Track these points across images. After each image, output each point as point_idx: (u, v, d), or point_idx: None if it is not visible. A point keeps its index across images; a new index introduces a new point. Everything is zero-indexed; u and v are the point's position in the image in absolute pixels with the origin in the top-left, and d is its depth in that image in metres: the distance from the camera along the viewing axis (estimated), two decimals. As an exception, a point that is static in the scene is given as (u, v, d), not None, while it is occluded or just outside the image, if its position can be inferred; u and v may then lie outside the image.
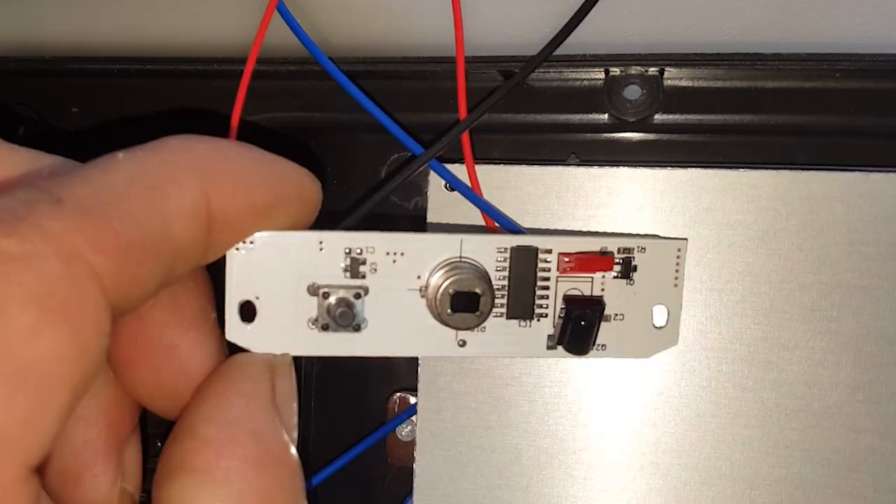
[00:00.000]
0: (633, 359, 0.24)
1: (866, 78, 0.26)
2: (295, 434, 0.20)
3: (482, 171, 0.25)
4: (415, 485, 0.26)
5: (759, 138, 0.27)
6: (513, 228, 0.24)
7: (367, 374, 0.29)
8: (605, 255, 0.22)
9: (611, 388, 0.26)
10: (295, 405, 0.20)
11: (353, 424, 0.28)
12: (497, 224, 0.24)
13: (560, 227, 0.25)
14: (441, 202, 0.25)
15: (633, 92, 0.27)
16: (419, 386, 0.26)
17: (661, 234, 0.25)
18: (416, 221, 0.25)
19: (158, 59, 0.26)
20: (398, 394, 0.28)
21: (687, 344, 0.26)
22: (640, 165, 0.26)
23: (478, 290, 0.22)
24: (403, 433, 0.27)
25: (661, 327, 0.23)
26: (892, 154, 0.27)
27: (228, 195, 0.19)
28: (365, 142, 0.28)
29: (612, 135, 0.27)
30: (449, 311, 0.22)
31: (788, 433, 0.26)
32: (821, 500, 0.26)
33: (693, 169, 0.25)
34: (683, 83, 0.26)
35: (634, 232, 0.25)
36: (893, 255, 0.26)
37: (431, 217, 0.25)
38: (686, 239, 0.23)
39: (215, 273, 0.21)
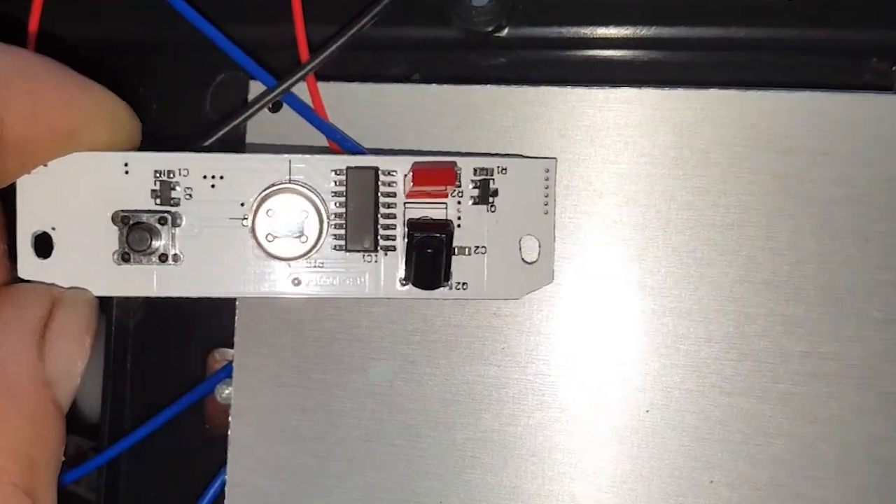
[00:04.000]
0: (501, 299, 0.20)
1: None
2: (71, 380, 0.17)
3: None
4: (229, 453, 0.23)
5: (630, 53, 0.24)
6: (356, 150, 0.21)
7: (192, 327, 0.25)
8: (446, 167, 0.19)
9: (454, 344, 0.23)
10: (80, 347, 0.18)
11: (172, 385, 0.25)
12: (341, 148, 0.21)
13: (408, 150, 0.22)
14: (262, 122, 0.22)
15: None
16: (235, 338, 0.23)
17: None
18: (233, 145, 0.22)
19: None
20: (221, 349, 0.25)
21: (560, 289, 0.22)
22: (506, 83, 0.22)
23: (302, 210, 0.19)
24: (223, 395, 0.24)
25: (532, 262, 0.20)
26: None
27: (25, 117, 0.16)
28: (187, 62, 0.25)
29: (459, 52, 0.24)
30: (269, 236, 0.19)
31: (650, 396, 0.22)
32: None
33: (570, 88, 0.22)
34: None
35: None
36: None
37: (251, 138, 0.22)
38: (555, 158, 0.20)
39: (7, 198, 0.19)
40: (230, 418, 0.23)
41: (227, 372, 0.24)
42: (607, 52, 0.24)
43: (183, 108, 0.25)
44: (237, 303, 0.23)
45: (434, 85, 0.22)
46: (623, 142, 0.22)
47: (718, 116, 0.22)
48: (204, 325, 0.25)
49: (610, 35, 0.23)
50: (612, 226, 0.22)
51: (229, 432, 0.23)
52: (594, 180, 0.22)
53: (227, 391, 0.24)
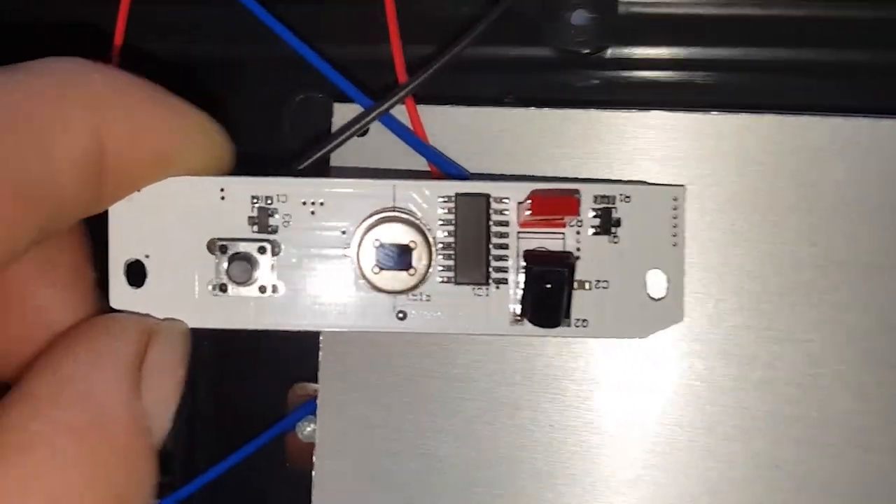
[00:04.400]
0: (625, 339, 0.19)
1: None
2: (165, 417, 0.16)
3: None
4: (313, 496, 0.21)
5: (736, 76, 0.22)
6: (460, 175, 0.20)
7: (272, 358, 0.24)
8: (568, 195, 0.17)
9: (558, 386, 0.21)
10: (175, 383, 0.17)
11: (248, 420, 0.23)
12: (443, 173, 0.20)
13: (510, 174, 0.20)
14: (347, 145, 0.20)
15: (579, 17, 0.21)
16: (320, 374, 0.21)
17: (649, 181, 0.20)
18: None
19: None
20: (302, 383, 0.23)
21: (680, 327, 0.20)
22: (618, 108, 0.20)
23: (410, 241, 0.17)
24: (305, 432, 0.22)
25: (658, 299, 0.18)
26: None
27: (124, 140, 0.16)
28: (263, 82, 0.24)
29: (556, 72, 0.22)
30: (375, 268, 0.17)
31: (778, 450, 0.20)
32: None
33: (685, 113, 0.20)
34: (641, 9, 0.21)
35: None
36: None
37: (335, 162, 0.21)
38: (683, 186, 0.18)
39: (96, 225, 0.18)
40: (314, 458, 0.22)
41: (309, 408, 0.22)
42: (718, 74, 0.22)
43: (259, 130, 0.24)
44: (321, 335, 0.22)
45: (534, 108, 0.21)
46: (738, 170, 0.20)
47: (850, 146, 0.20)
48: (284, 355, 0.24)
49: (721, 56, 0.21)
50: (733, 258, 0.20)
51: (314, 473, 0.22)
52: (710, 209, 0.20)
53: (308, 428, 0.23)
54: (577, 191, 0.17)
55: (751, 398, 0.20)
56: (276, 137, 0.24)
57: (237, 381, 0.25)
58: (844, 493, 0.20)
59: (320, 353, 0.22)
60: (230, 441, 0.22)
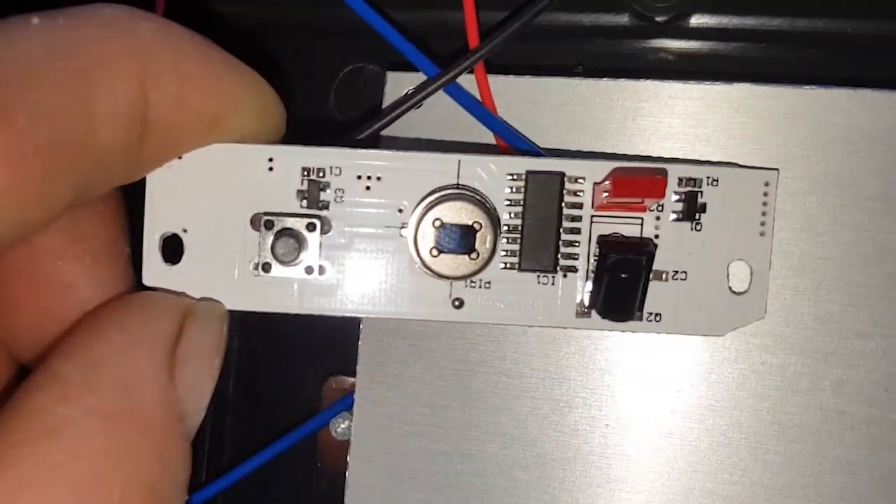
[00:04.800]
0: (700, 336, 0.17)
1: None
2: (200, 406, 0.15)
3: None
4: (346, 499, 0.20)
5: (832, 50, 0.20)
6: (532, 150, 0.18)
7: (306, 348, 0.22)
8: (655, 176, 0.15)
9: (617, 383, 0.19)
10: (211, 369, 0.15)
11: (281, 415, 0.22)
12: (513, 148, 0.18)
13: (590, 152, 0.19)
14: (401, 118, 0.19)
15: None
16: (358, 367, 0.20)
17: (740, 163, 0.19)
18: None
19: None
20: (338, 377, 0.21)
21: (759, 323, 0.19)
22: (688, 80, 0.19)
23: (474, 222, 0.16)
24: (339, 429, 0.21)
25: (741, 293, 0.16)
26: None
27: (173, 96, 0.14)
28: (309, 51, 0.22)
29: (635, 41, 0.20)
30: (433, 250, 0.16)
31: (854, 453, 0.18)
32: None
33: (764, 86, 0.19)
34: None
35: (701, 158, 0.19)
36: None
37: (387, 135, 0.19)
38: (777, 169, 0.16)
39: (131, 195, 0.16)
40: (349, 458, 0.20)
41: (345, 404, 0.21)
42: (811, 48, 0.21)
43: (306, 101, 0.23)
44: (362, 323, 0.20)
45: (605, 80, 0.19)
46: (825, 151, 0.19)
47: None
48: (320, 346, 0.22)
49: (816, 28, 0.20)
50: (814, 247, 0.19)
51: (347, 474, 0.20)
52: (793, 192, 0.19)
53: (343, 425, 0.21)
54: (664, 170, 0.16)
55: (827, 398, 0.19)
56: (323, 110, 0.22)
57: (268, 371, 0.23)
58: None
59: (359, 344, 0.20)
60: (260, 436, 0.21)
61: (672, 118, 0.19)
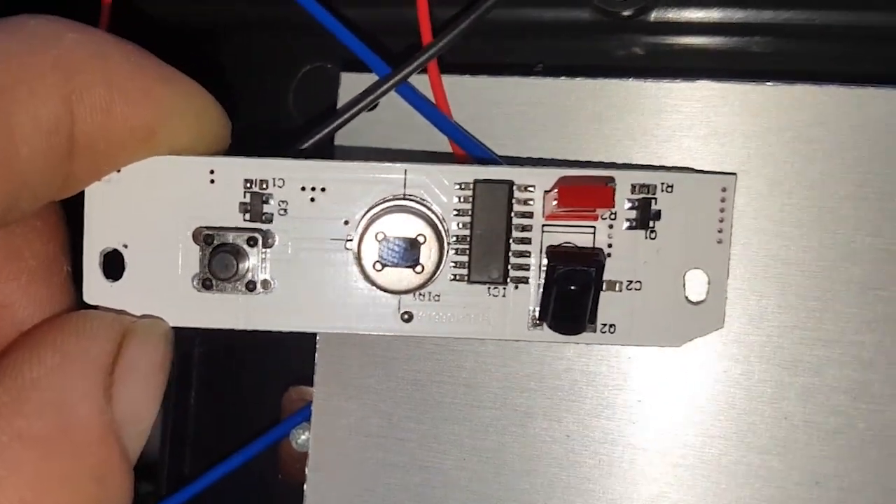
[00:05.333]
0: (657, 347, 0.17)
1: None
2: (142, 427, 0.14)
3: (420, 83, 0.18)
4: None
5: (796, 42, 0.20)
6: (486, 157, 0.18)
7: (266, 359, 0.22)
8: (603, 185, 0.15)
9: (577, 393, 0.19)
10: (153, 388, 0.15)
11: (241, 426, 0.21)
12: (468, 154, 0.18)
13: (540, 158, 0.18)
14: (355, 121, 0.18)
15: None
16: (315, 378, 0.19)
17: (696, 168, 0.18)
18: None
19: None
20: (298, 387, 0.21)
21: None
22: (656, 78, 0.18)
23: (418, 235, 0.15)
24: (299, 440, 0.21)
25: (698, 302, 0.16)
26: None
27: (101, 110, 0.14)
28: (267, 51, 0.22)
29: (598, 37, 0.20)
30: (377, 264, 0.15)
31: (821, 465, 0.18)
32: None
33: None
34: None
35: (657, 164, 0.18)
36: None
37: (340, 140, 0.19)
38: (734, 174, 0.16)
39: (73, 210, 0.16)
40: (307, 470, 0.20)
41: (304, 415, 0.21)
42: (775, 40, 0.20)
43: (261, 104, 0.22)
44: (318, 335, 0.20)
45: (564, 78, 0.19)
46: (806, 149, 0.18)
47: None
48: (280, 357, 0.22)
49: (778, 20, 0.19)
50: (779, 250, 0.18)
51: (305, 487, 0.20)
52: (756, 194, 0.18)
53: (304, 436, 0.21)
54: (611, 179, 0.15)
55: (792, 407, 0.18)
56: (280, 113, 0.22)
57: (231, 381, 0.23)
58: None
59: (316, 355, 0.20)
60: (221, 448, 0.21)
61: (637, 118, 0.18)
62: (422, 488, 0.20)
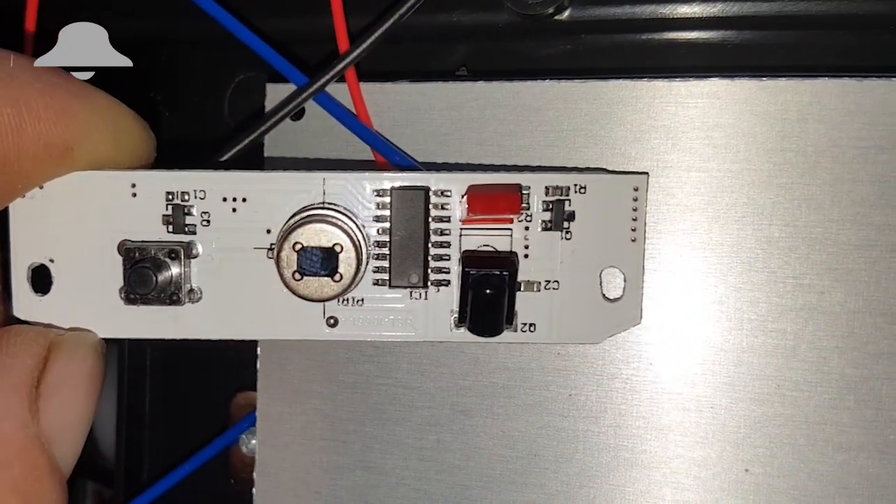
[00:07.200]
0: (577, 344, 0.17)
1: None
2: (73, 439, 0.15)
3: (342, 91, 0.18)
4: None
5: (710, 34, 0.20)
6: (406, 163, 0.18)
7: (216, 365, 0.22)
8: (509, 192, 0.15)
9: (514, 388, 0.19)
10: (84, 398, 0.15)
11: (195, 430, 0.22)
12: (388, 161, 0.18)
13: (459, 163, 0.19)
14: (283, 131, 0.19)
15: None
16: (258, 384, 0.20)
17: (609, 169, 0.18)
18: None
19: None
20: (246, 393, 0.21)
21: (639, 326, 0.18)
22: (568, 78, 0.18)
23: (335, 244, 0.16)
24: (249, 446, 0.21)
25: (615, 299, 0.16)
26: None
27: (11, 129, 0.14)
28: (201, 62, 0.22)
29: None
30: (296, 273, 0.16)
31: (749, 453, 0.18)
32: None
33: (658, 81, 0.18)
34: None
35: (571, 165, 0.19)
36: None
37: (270, 151, 0.19)
38: (646, 173, 0.16)
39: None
40: (254, 474, 0.20)
41: (252, 420, 0.21)
42: (690, 35, 0.20)
43: (196, 115, 0.22)
44: (259, 343, 0.20)
45: (483, 82, 0.19)
46: (712, 144, 0.18)
47: (829, 111, 0.18)
48: (228, 363, 0.22)
49: (693, 14, 0.19)
50: (700, 247, 0.19)
51: (254, 491, 0.20)
52: (677, 192, 0.19)
53: (253, 441, 0.21)
54: (518, 186, 0.16)
55: (718, 396, 0.19)
56: (217, 122, 0.22)
57: (183, 386, 0.23)
58: (820, 498, 0.19)
59: (258, 361, 0.20)
60: (178, 453, 0.21)
61: (557, 118, 0.19)
62: (367, 489, 0.20)
